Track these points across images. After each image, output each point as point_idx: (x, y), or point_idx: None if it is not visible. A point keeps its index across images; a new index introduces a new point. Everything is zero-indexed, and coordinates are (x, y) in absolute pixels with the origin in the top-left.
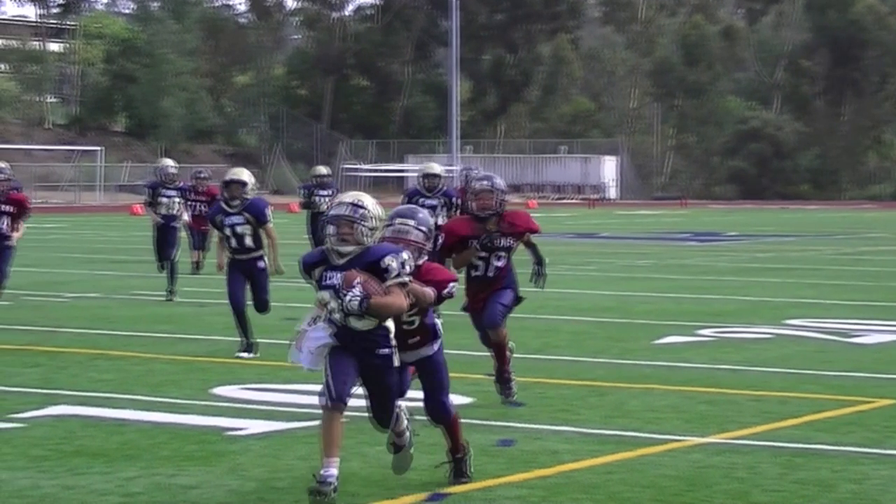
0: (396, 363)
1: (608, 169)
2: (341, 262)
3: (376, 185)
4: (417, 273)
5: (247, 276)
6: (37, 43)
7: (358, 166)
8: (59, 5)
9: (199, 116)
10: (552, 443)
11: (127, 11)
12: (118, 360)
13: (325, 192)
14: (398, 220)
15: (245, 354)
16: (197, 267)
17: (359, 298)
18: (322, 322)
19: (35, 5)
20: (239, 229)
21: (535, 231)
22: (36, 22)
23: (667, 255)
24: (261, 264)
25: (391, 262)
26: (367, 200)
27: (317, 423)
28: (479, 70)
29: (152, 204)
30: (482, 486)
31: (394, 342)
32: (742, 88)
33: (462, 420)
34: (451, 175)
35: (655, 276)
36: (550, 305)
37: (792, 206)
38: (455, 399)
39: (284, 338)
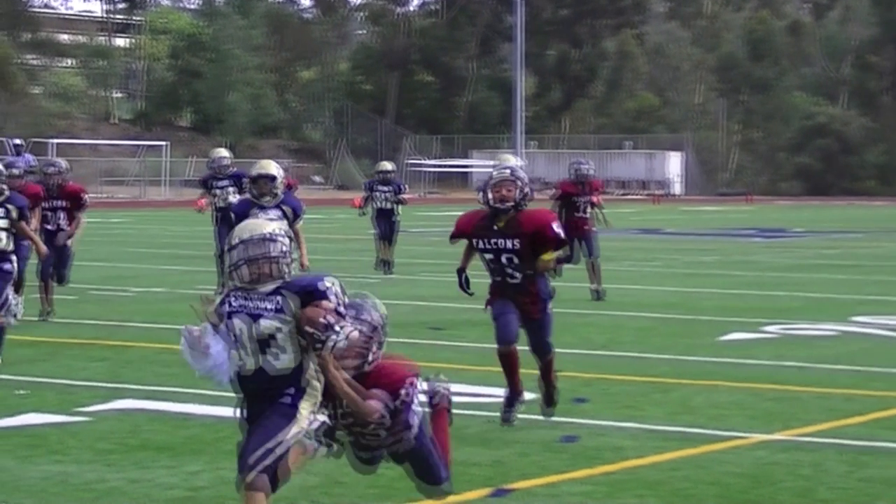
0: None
1: (673, 165)
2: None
3: (441, 181)
4: (364, 377)
5: None
6: (103, 38)
7: (422, 161)
8: (125, 0)
9: (265, 112)
10: (616, 439)
11: (192, 7)
12: None
13: (385, 188)
14: None
15: None
16: None
17: (345, 337)
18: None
19: (101, 1)
20: None
21: (549, 238)
22: (102, 17)
23: (732, 252)
24: None
25: (330, 286)
26: (276, 227)
27: None
28: (543, 65)
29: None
30: (546, 482)
31: (306, 390)
32: (808, 84)
33: (526, 416)
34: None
35: (720, 273)
36: (615, 301)
37: (858, 202)
38: None
39: None
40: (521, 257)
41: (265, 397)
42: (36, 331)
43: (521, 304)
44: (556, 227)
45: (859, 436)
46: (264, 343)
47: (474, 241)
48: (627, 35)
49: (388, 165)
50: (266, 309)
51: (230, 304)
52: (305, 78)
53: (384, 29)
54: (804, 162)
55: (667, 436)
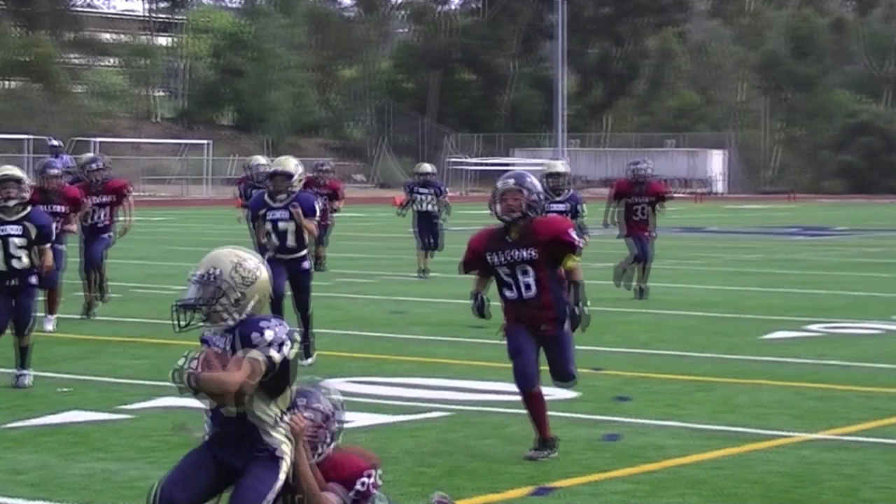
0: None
1: (715, 163)
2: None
3: (482, 179)
4: (319, 467)
5: (289, 273)
6: (145, 37)
7: (464, 160)
8: None
9: (306, 110)
10: (658, 437)
11: (234, 5)
12: None
13: (425, 190)
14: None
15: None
16: (317, 262)
17: (188, 374)
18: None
19: (143, 0)
20: (281, 225)
21: (565, 243)
22: (144, 16)
23: (775, 250)
24: (305, 265)
25: (263, 331)
26: (223, 265)
27: (423, 416)
28: (585, 63)
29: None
30: (588, 481)
31: (276, 437)
32: (851, 81)
33: (568, 414)
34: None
35: (763, 271)
36: (657, 300)
37: None
38: (560, 394)
39: (390, 331)
40: (538, 267)
41: (228, 434)
42: (79, 329)
43: (537, 321)
44: (573, 234)
45: None
46: None
47: (488, 256)
48: (669, 33)
49: (427, 167)
50: (224, 350)
51: (206, 331)
52: (347, 76)
53: (426, 27)
54: (847, 160)
55: (709, 434)
